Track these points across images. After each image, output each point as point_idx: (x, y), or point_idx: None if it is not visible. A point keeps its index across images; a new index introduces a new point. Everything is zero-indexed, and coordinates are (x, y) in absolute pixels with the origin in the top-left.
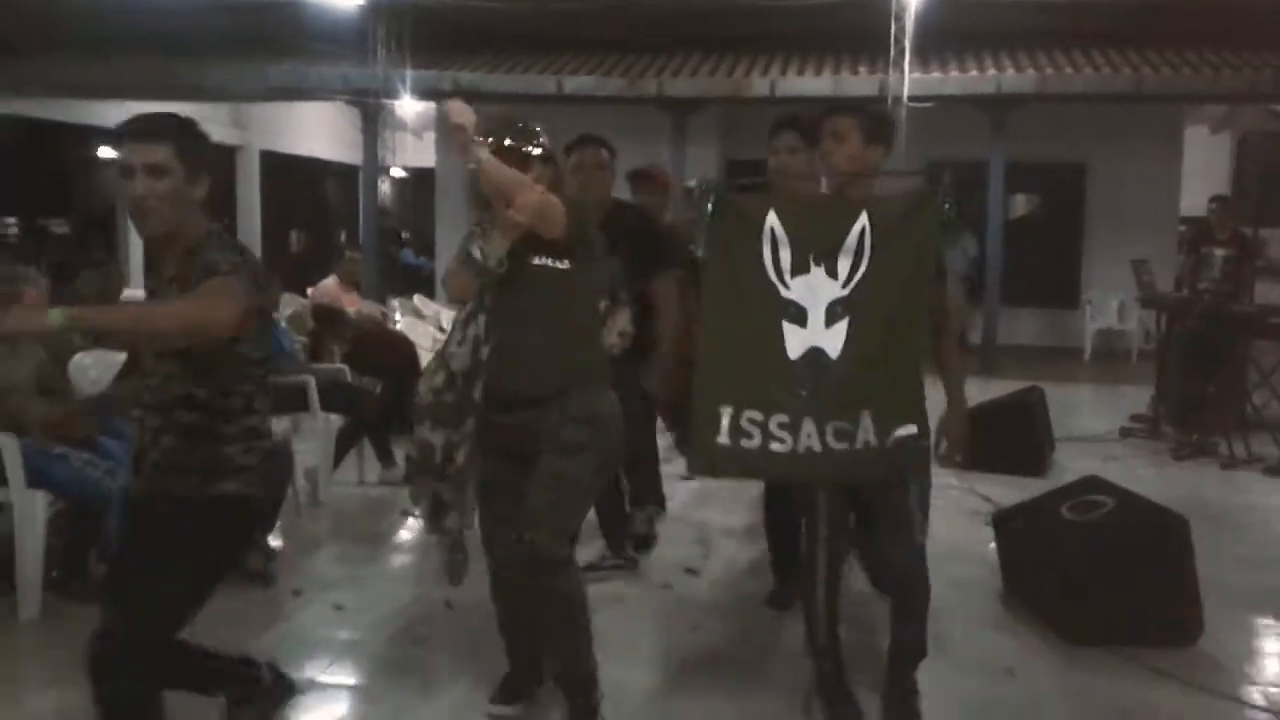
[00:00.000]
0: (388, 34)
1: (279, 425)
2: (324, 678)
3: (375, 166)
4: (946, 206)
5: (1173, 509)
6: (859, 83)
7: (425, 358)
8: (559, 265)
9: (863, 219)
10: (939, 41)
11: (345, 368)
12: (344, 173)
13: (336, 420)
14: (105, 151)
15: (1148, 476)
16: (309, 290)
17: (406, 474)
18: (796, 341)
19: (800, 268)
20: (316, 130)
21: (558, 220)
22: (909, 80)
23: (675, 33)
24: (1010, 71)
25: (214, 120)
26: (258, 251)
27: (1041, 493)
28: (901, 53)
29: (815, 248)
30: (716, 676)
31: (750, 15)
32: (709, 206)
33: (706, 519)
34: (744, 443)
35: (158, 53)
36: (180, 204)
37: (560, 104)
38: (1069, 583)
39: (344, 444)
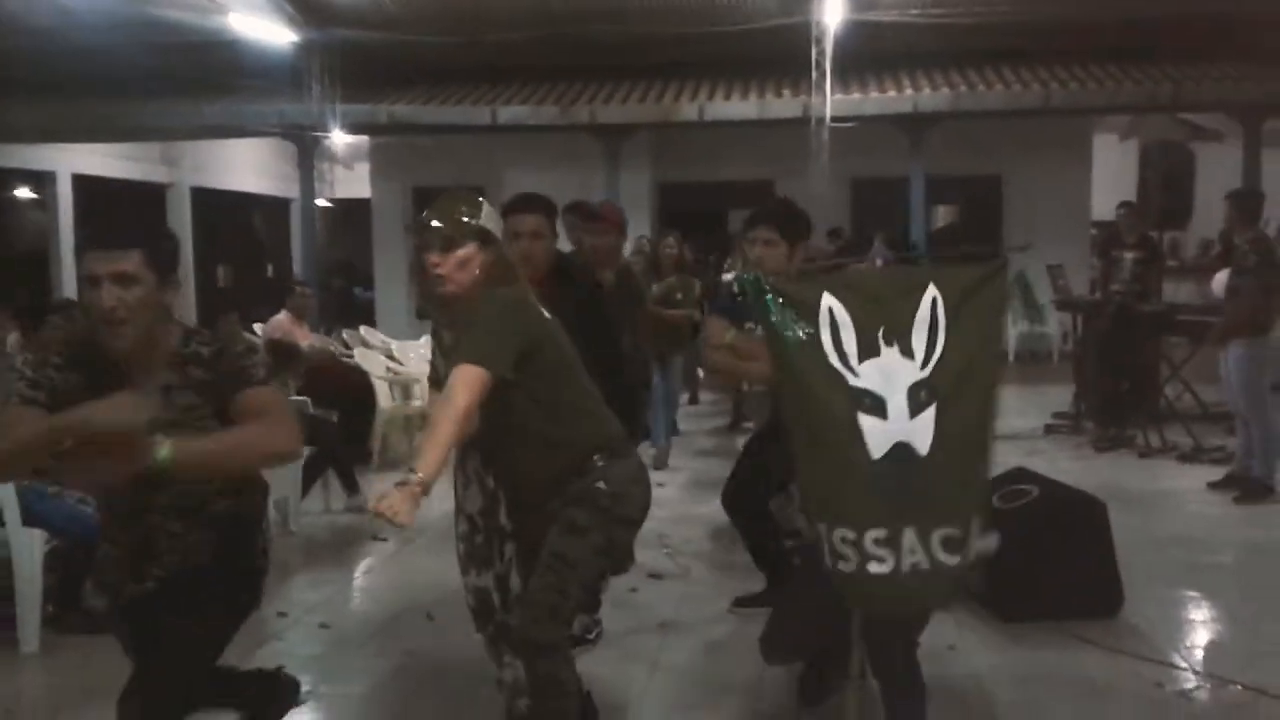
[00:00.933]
0: (321, 69)
1: None
2: (325, 689)
3: (312, 200)
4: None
5: (1096, 496)
6: (783, 105)
7: (378, 385)
8: (512, 397)
9: (931, 290)
10: (858, 64)
11: (307, 400)
12: (273, 205)
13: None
14: (23, 193)
15: (1071, 468)
16: (256, 326)
17: (477, 627)
18: (878, 437)
19: (869, 350)
20: (245, 165)
21: (481, 391)
22: (830, 102)
23: (606, 61)
24: (926, 91)
25: (145, 159)
26: (190, 287)
27: None
28: (823, 76)
29: (884, 325)
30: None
31: (678, 43)
32: (760, 302)
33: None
34: (841, 566)
35: (93, 95)
36: (152, 313)
37: (495, 133)
38: (1000, 565)
39: (310, 474)
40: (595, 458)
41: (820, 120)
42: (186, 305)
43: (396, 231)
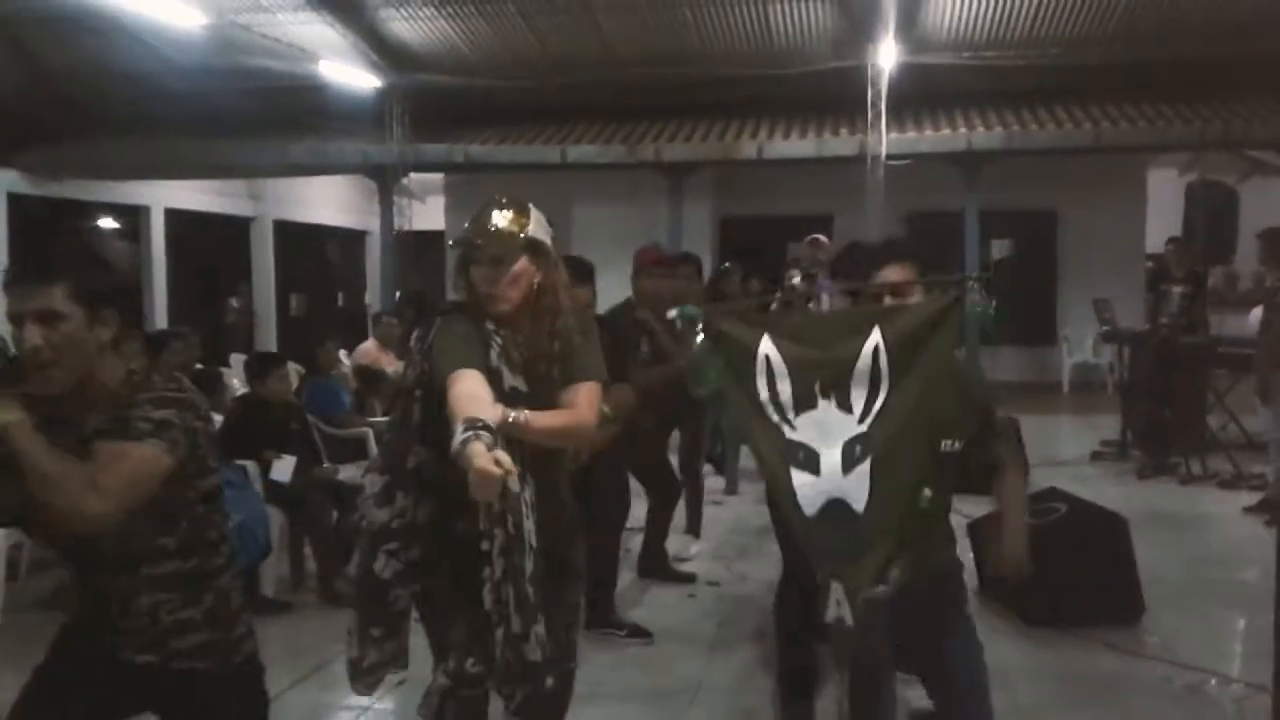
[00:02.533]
0: (402, 112)
1: (348, 472)
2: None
3: (391, 236)
4: (993, 308)
5: (1119, 513)
6: (840, 144)
7: None
8: None
9: (875, 336)
10: (913, 103)
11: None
12: (347, 237)
13: None
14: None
15: (1113, 493)
16: (342, 354)
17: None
18: (812, 495)
19: (806, 403)
20: (323, 199)
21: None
22: (886, 140)
23: (670, 101)
24: (979, 129)
25: (232, 194)
26: (271, 317)
27: None
28: (878, 116)
29: (821, 376)
30: None
31: (739, 84)
32: (697, 340)
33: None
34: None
35: (187, 134)
36: (84, 351)
37: (564, 171)
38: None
39: None
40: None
41: (876, 158)
42: (267, 333)
43: None
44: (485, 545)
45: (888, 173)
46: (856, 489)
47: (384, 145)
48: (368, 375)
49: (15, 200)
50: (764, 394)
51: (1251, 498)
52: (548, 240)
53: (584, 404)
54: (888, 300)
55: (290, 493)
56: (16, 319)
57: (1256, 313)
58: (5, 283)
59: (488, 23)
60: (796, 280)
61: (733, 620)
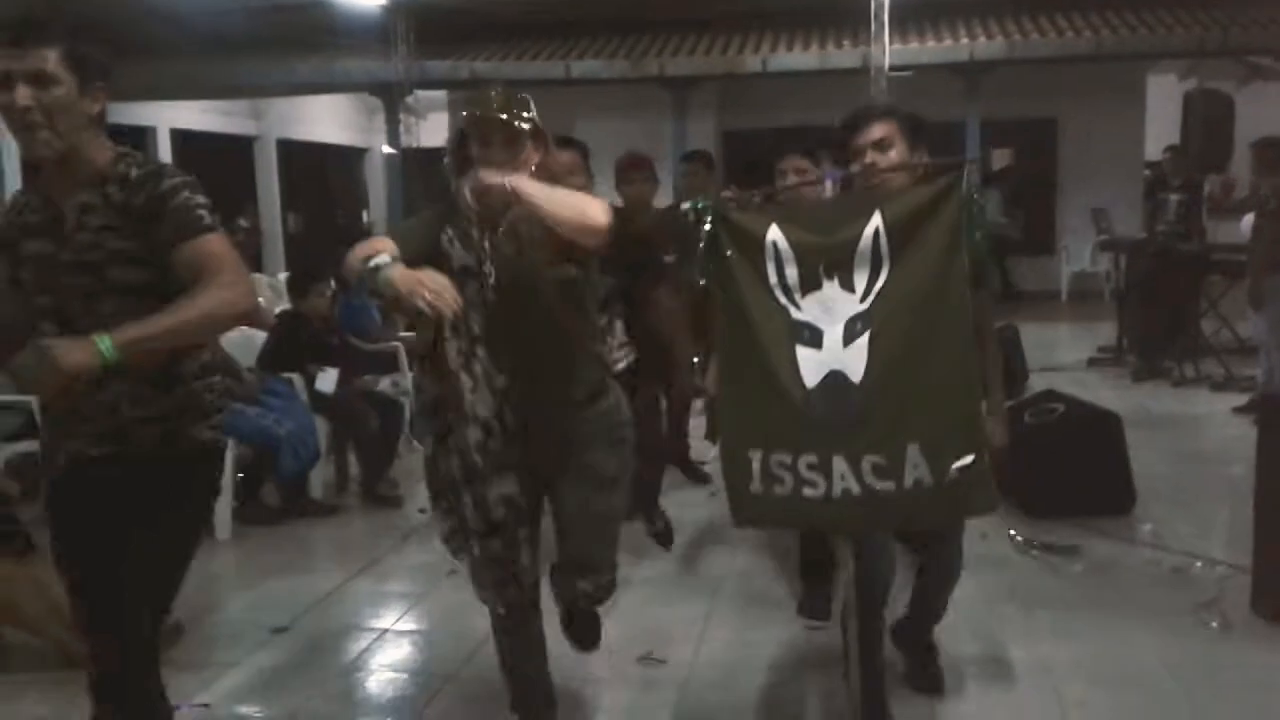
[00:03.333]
0: (406, 29)
1: (383, 384)
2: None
3: (398, 153)
4: (974, 198)
5: (1113, 411)
6: (843, 56)
7: None
8: (570, 273)
9: (875, 219)
10: (915, 15)
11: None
12: (347, 154)
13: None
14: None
15: (1108, 396)
16: None
17: (504, 538)
18: (812, 366)
19: (811, 284)
20: (323, 116)
21: (605, 229)
22: (889, 51)
23: (673, 16)
24: (981, 39)
25: (235, 113)
26: (278, 235)
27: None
28: (881, 27)
29: (825, 259)
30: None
31: None
32: (705, 230)
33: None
34: (776, 489)
35: (193, 55)
36: (74, 120)
37: (568, 86)
38: (1029, 469)
39: None
40: (608, 388)
41: (879, 69)
42: (274, 250)
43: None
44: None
45: (890, 84)
46: (855, 361)
47: (389, 63)
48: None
49: None
50: (772, 278)
51: (1241, 399)
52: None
53: (587, 200)
54: (871, 156)
55: (334, 403)
56: (5, 79)
57: (1248, 220)
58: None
59: None
60: (790, 181)
61: None
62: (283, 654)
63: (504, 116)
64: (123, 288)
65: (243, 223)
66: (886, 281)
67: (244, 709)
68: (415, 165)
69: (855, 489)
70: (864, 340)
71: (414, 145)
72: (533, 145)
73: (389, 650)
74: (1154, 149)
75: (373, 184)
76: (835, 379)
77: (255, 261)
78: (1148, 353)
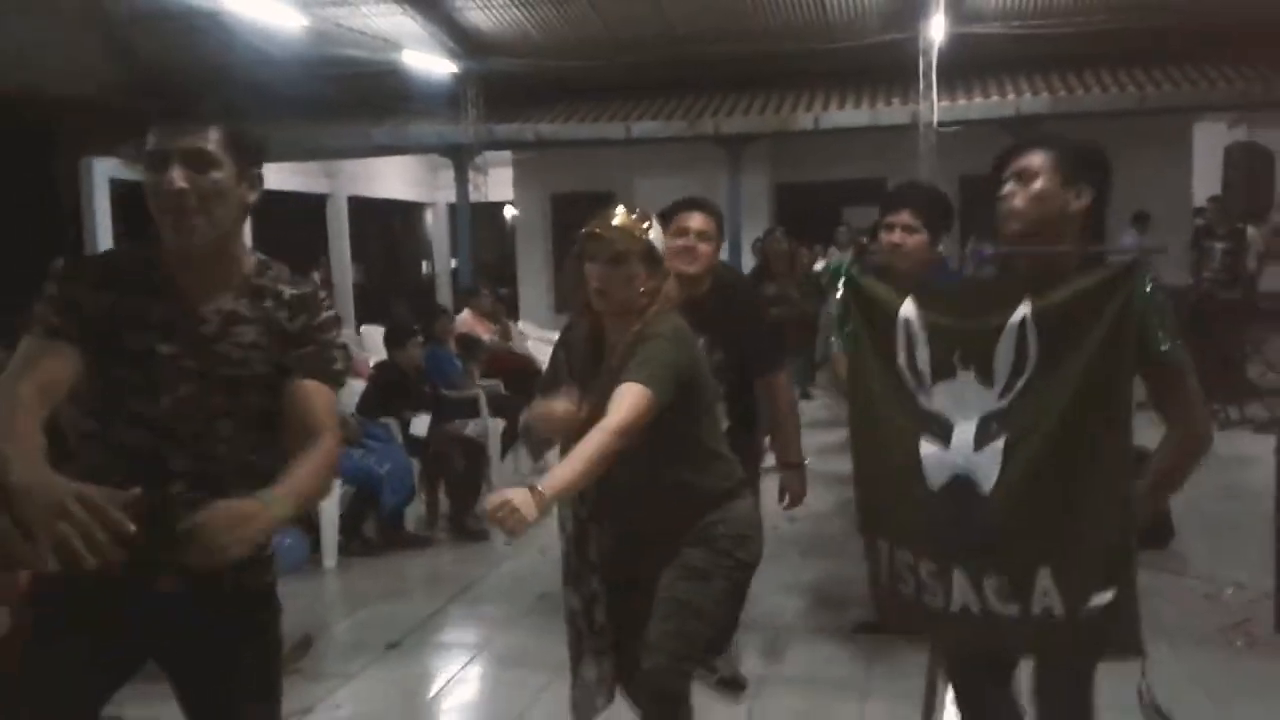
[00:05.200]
0: (476, 94)
1: (470, 428)
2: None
3: (468, 212)
4: (1149, 290)
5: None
6: (893, 113)
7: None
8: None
9: (1024, 307)
10: (963, 72)
11: (499, 382)
12: (409, 210)
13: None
14: None
15: (1152, 436)
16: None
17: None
18: (938, 466)
19: (943, 371)
20: (389, 174)
21: (645, 415)
22: (937, 108)
23: (727, 75)
24: (1027, 95)
25: (308, 173)
26: (348, 288)
27: None
28: (929, 85)
29: (962, 343)
30: None
31: (794, 57)
32: (838, 293)
33: None
34: (901, 589)
35: (275, 121)
36: (230, 209)
37: (629, 146)
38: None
39: (506, 443)
40: (722, 499)
41: (928, 125)
42: (345, 303)
43: (538, 235)
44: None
45: (939, 139)
46: (986, 468)
47: (459, 126)
48: (467, 343)
49: (117, 186)
50: (902, 358)
51: None
52: (661, 249)
53: (619, 409)
54: (897, 236)
55: (426, 445)
56: (161, 159)
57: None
58: (151, 120)
59: (555, 7)
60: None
61: (817, 545)
62: (397, 667)
63: (613, 237)
64: (246, 413)
65: (316, 276)
66: (1031, 380)
67: (371, 710)
68: (483, 219)
69: (974, 607)
70: (999, 445)
71: (483, 200)
72: (644, 268)
73: (489, 664)
74: (1201, 195)
75: (439, 237)
76: (962, 485)
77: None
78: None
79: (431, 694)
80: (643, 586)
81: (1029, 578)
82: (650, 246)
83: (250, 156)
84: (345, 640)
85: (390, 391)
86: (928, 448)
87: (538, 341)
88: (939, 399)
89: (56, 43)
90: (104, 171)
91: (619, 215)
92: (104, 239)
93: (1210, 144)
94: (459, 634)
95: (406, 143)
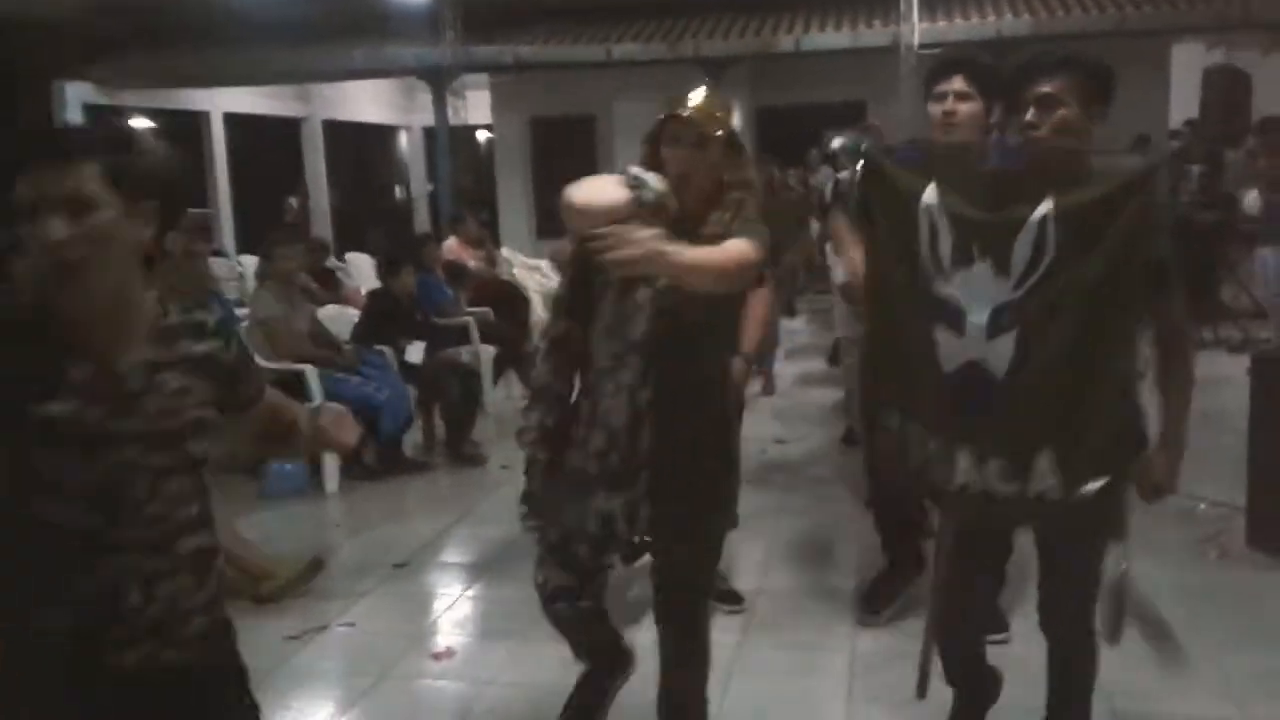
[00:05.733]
0: (454, 15)
1: (463, 354)
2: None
3: (446, 136)
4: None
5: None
6: (874, 35)
7: (534, 297)
8: (721, 312)
9: (1047, 204)
10: None
11: (488, 310)
12: (383, 133)
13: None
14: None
15: None
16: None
17: (591, 557)
18: (951, 352)
19: (962, 259)
20: (364, 98)
21: (751, 269)
22: (918, 30)
23: None
24: (1008, 17)
25: (282, 96)
26: (325, 213)
27: None
28: (910, 7)
29: (982, 235)
30: None
31: None
32: (857, 173)
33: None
34: (909, 457)
35: (249, 42)
36: (124, 253)
37: (609, 68)
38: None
39: (499, 367)
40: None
41: (909, 47)
42: (323, 228)
43: (517, 159)
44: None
45: (920, 62)
46: (998, 356)
47: (438, 48)
48: (454, 270)
49: (90, 111)
50: (922, 244)
51: None
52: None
53: (732, 247)
54: (949, 104)
55: (421, 372)
56: (32, 209)
57: (1253, 195)
58: (23, 164)
59: None
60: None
61: (803, 468)
62: (405, 585)
63: (696, 119)
64: (193, 462)
65: (293, 202)
66: (1047, 274)
67: (384, 626)
68: (458, 143)
69: (976, 485)
70: (1011, 335)
71: (461, 124)
72: (725, 153)
73: (494, 583)
74: (1178, 118)
75: (411, 161)
76: (973, 371)
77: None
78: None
79: (440, 611)
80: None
81: (1030, 460)
82: (734, 133)
83: (141, 188)
84: (352, 561)
85: (384, 319)
86: (942, 333)
87: (522, 268)
88: (954, 286)
89: None
90: (77, 95)
91: (700, 97)
92: None
93: (1188, 66)
94: (462, 555)
95: (384, 65)
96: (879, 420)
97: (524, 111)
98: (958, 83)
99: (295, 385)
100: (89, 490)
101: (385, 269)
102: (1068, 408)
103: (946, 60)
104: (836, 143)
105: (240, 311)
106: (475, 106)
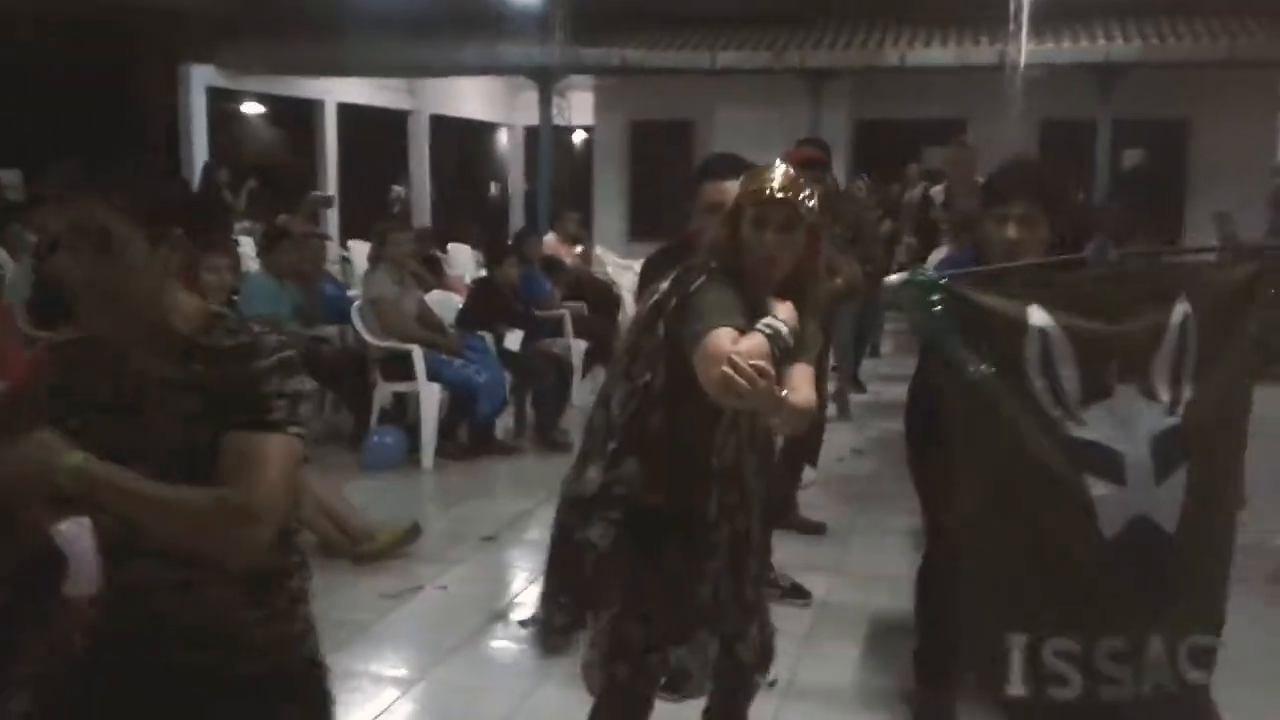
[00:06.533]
0: (563, 16)
1: (556, 346)
2: None
3: (550, 135)
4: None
5: None
6: (980, 53)
7: (625, 296)
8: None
9: (1182, 303)
10: (1052, 14)
11: (583, 305)
12: (486, 129)
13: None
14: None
15: None
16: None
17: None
18: (1110, 509)
19: (1097, 390)
20: (471, 94)
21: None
22: (1025, 50)
23: (813, 7)
24: (1118, 41)
25: (392, 89)
26: (426, 206)
27: None
28: (1019, 27)
29: (1118, 355)
30: None
31: None
32: (931, 308)
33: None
34: (1054, 691)
35: (365, 34)
36: (144, 283)
37: (710, 76)
38: None
39: (589, 362)
40: None
41: (1015, 67)
42: (423, 218)
43: (615, 161)
44: (713, 534)
45: (1025, 82)
46: (1168, 502)
47: (546, 48)
48: (551, 264)
49: (213, 93)
50: (1037, 381)
51: None
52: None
53: (805, 386)
54: (1013, 232)
55: (519, 359)
56: (52, 243)
57: None
58: (42, 191)
59: None
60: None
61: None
62: (494, 555)
63: (787, 197)
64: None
65: (399, 190)
66: (1197, 387)
67: (474, 591)
68: (559, 142)
69: (1171, 685)
70: (1181, 475)
71: (566, 124)
72: (809, 233)
73: None
74: None
75: (511, 159)
76: (1143, 527)
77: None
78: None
79: (525, 583)
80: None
81: (1220, 629)
82: (816, 214)
83: (164, 215)
84: (444, 531)
85: (487, 307)
86: (1098, 487)
87: (615, 267)
88: (1095, 424)
89: None
90: (201, 78)
91: (789, 182)
92: (199, 143)
93: None
94: (546, 533)
95: (494, 63)
96: (996, 648)
97: (625, 114)
98: (1019, 208)
99: (403, 363)
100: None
101: (491, 258)
102: (1226, 548)
103: (999, 180)
104: (895, 277)
105: (350, 294)
106: (576, 107)
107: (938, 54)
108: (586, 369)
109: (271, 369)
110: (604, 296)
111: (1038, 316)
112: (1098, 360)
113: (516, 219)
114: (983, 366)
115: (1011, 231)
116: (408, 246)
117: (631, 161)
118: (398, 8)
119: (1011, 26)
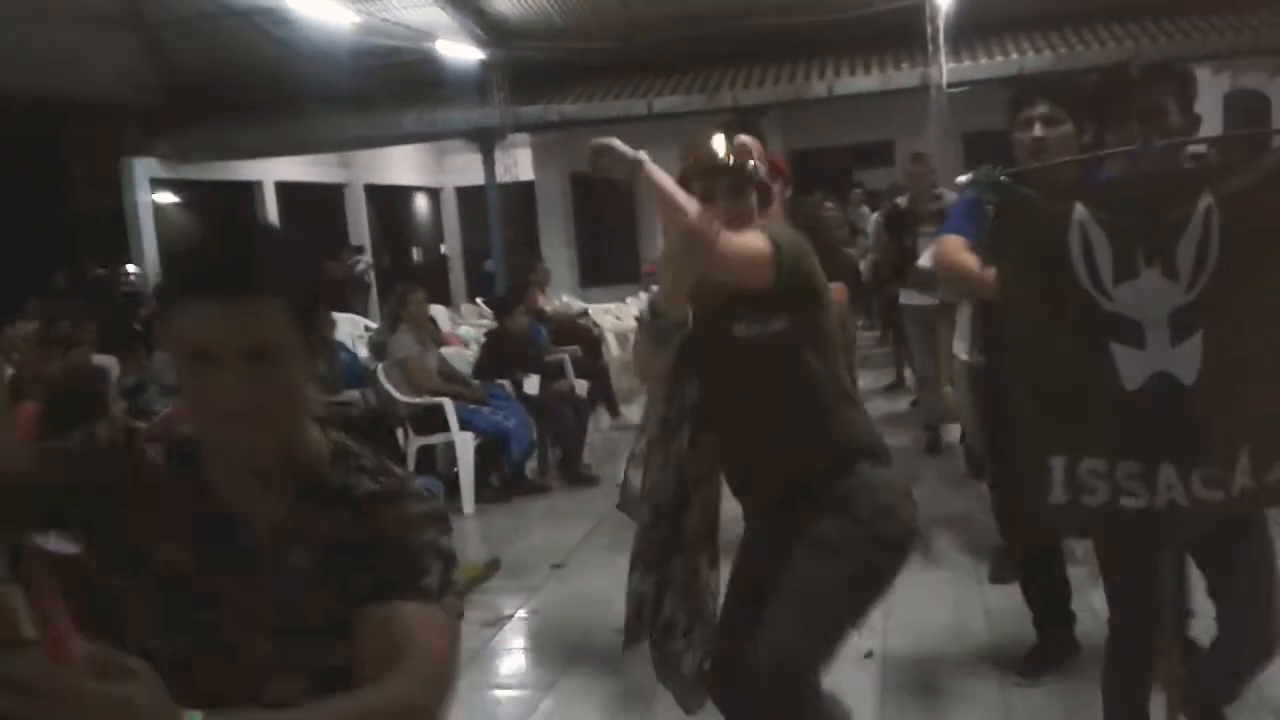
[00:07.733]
0: (501, 78)
1: (564, 386)
2: None
3: (496, 193)
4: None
5: None
6: (903, 77)
7: (609, 336)
8: (771, 328)
9: (1207, 197)
10: (967, 34)
11: (577, 348)
12: (415, 194)
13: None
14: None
15: None
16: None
17: (627, 635)
18: (1134, 368)
19: (1126, 271)
20: (398, 161)
21: (758, 264)
22: (946, 70)
23: (742, 49)
24: (1030, 54)
25: (324, 163)
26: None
27: None
28: (937, 49)
29: (1145, 242)
30: None
31: (806, 27)
32: (991, 203)
33: None
34: (1087, 499)
35: (304, 113)
36: (299, 396)
37: (647, 121)
38: None
39: (591, 401)
40: (861, 460)
41: (938, 87)
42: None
43: (559, 213)
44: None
45: (950, 100)
46: (1185, 363)
47: (487, 110)
48: (540, 314)
49: (157, 184)
50: (1078, 263)
51: None
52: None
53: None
54: (1038, 130)
55: (538, 402)
56: (205, 357)
57: None
58: (184, 287)
59: None
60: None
61: None
62: (568, 580)
63: (731, 163)
64: (318, 670)
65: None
66: (1217, 267)
67: (561, 615)
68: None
69: (1183, 500)
70: (1197, 339)
71: (511, 180)
72: (756, 195)
73: None
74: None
75: (447, 221)
76: (1162, 382)
77: (364, 297)
78: None
79: (606, 598)
80: (758, 568)
81: (1233, 462)
82: (761, 174)
83: (316, 319)
84: (515, 564)
85: (503, 356)
86: (1121, 350)
87: (596, 311)
88: (1123, 300)
89: (92, 45)
90: (144, 170)
91: (728, 146)
92: (148, 234)
93: (1201, 92)
94: (609, 555)
95: (435, 128)
96: (1040, 466)
97: (564, 167)
98: (1041, 107)
99: (433, 416)
100: (182, 673)
101: (501, 310)
102: (1258, 400)
103: (1026, 88)
104: (962, 177)
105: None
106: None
107: (863, 81)
108: (590, 408)
109: (430, 516)
110: (587, 339)
111: (1079, 212)
112: (1129, 248)
113: (457, 279)
114: (1042, 244)
115: (1037, 130)
116: (425, 306)
117: (574, 211)
118: (336, 82)
119: (930, 49)
